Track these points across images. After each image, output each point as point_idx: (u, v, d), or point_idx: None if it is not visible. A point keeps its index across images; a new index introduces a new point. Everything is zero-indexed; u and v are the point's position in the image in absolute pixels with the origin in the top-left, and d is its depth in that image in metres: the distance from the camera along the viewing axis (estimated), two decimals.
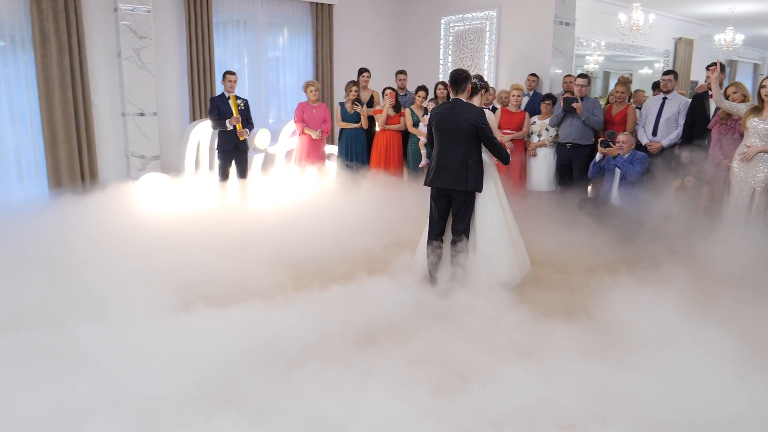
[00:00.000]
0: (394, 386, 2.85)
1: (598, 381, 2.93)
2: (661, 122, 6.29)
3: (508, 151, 6.21)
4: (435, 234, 4.49)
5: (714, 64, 5.65)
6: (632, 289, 3.99)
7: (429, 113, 4.50)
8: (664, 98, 6.30)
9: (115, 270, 4.30)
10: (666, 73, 6.41)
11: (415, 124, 7.35)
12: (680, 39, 12.19)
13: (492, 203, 4.45)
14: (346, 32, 8.90)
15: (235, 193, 6.66)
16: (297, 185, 7.25)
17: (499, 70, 8.06)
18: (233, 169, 6.63)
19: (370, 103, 7.68)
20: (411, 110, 7.33)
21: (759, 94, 5.09)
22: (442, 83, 7.53)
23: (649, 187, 6.05)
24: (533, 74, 7.53)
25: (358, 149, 7.48)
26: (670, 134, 6.24)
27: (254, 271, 4.57)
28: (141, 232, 5.41)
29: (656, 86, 6.85)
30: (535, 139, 6.89)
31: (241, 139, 6.49)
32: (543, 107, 6.90)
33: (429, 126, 4.51)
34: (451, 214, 4.45)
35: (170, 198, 6.47)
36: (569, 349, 3.31)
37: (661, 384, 2.80)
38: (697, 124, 6.00)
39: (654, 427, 2.56)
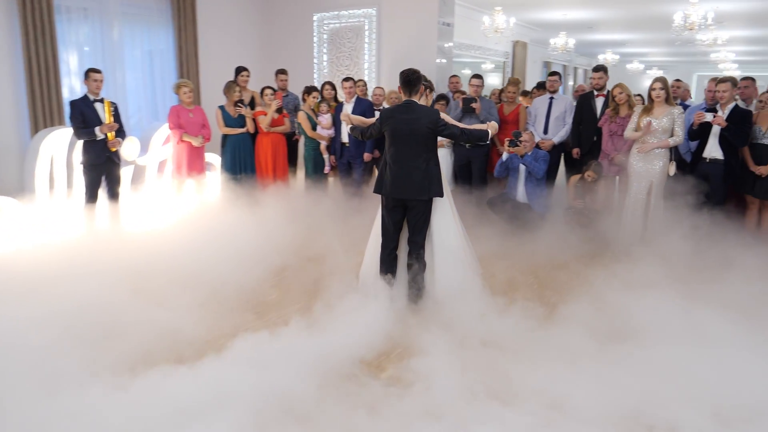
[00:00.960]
0: None
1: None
2: (550, 121, 6.59)
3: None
4: (391, 248, 4.12)
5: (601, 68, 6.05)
6: (621, 282, 4.23)
7: (380, 116, 4.08)
8: (551, 98, 6.61)
9: None
10: (552, 74, 6.74)
11: (313, 128, 6.84)
12: (517, 42, 13.15)
13: (447, 209, 4.20)
14: (212, 26, 8.01)
15: (108, 215, 5.55)
16: (179, 202, 6.31)
17: (381, 70, 7.86)
18: (103, 186, 5.52)
19: (252, 105, 6.98)
20: (307, 113, 6.80)
21: (649, 95, 5.52)
22: (330, 83, 7.12)
23: (550, 184, 6.33)
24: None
25: (246, 157, 6.74)
26: (559, 132, 6.57)
27: (182, 312, 3.79)
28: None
29: (541, 86, 7.19)
30: None
31: (113, 150, 5.43)
32: (437, 108, 6.83)
33: (374, 128, 4.12)
34: (408, 226, 4.11)
35: (21, 227, 5.18)
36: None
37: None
38: (585, 122, 6.39)
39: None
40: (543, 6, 10.78)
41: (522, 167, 6.08)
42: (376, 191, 4.11)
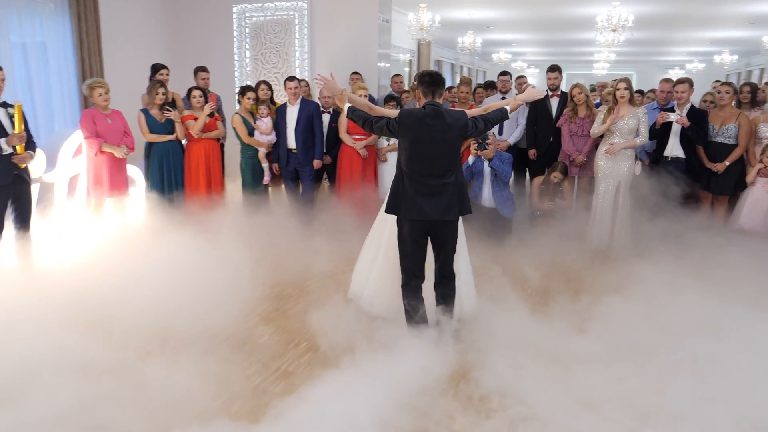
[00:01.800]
0: None
1: None
2: (505, 121, 6.41)
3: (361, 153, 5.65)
4: (416, 283, 3.52)
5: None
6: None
7: (397, 120, 3.44)
8: (503, 98, 6.44)
9: None
10: (502, 73, 6.58)
11: (250, 133, 6.05)
12: (421, 40, 13.05)
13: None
14: (116, 17, 6.86)
15: (17, 249, 4.44)
16: (101, 227, 5.27)
17: (314, 68, 7.24)
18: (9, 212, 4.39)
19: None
20: (242, 117, 6.00)
21: (614, 96, 5.51)
22: (266, 83, 6.37)
23: (514, 186, 6.16)
24: (355, 72, 6.97)
25: (176, 168, 5.82)
26: (513, 133, 6.43)
27: (168, 371, 3.00)
28: None
29: (490, 86, 7.01)
30: (384, 143, 6.35)
31: (22, 166, 4.34)
32: (387, 109, 6.39)
33: (384, 126, 3.47)
34: (434, 251, 3.53)
35: None
36: None
37: None
38: (541, 123, 6.30)
39: None
40: (449, 5, 10.76)
41: (486, 171, 5.83)
42: (392, 212, 3.49)
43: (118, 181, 5.41)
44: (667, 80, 5.93)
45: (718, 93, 5.56)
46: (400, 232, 3.51)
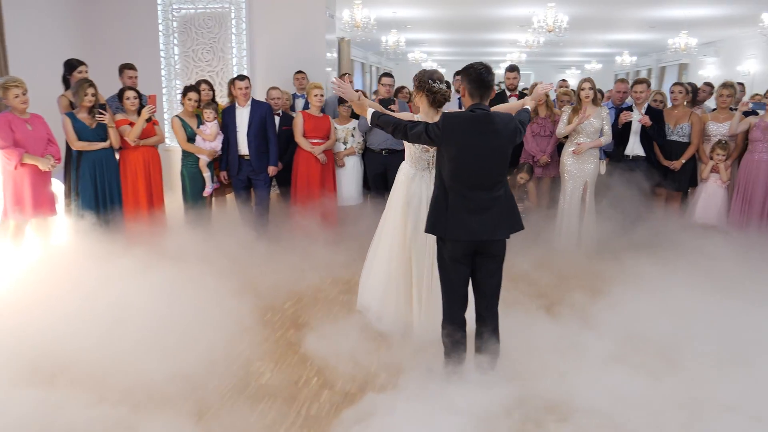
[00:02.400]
0: None
1: None
2: None
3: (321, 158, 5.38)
4: (461, 318, 3.06)
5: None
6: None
7: (440, 126, 2.91)
8: (459, 99, 6.26)
9: None
10: (457, 74, 6.38)
11: (190, 139, 5.40)
12: (342, 39, 12.68)
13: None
14: (20, 7, 5.87)
15: None
16: (24, 253, 4.44)
17: (255, 67, 6.67)
18: None
19: None
20: (182, 120, 5.34)
21: (578, 96, 5.51)
22: (206, 82, 5.75)
23: None
24: (300, 71, 6.51)
25: (110, 180, 5.05)
26: None
27: None
28: None
29: None
30: (340, 147, 5.95)
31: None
32: (342, 110, 5.99)
33: (418, 133, 2.99)
34: (477, 280, 3.04)
35: None
36: None
37: None
38: None
39: None
40: (374, 3, 10.51)
41: None
42: (435, 232, 2.99)
43: (43, 199, 4.60)
44: (623, 81, 6.05)
45: (672, 93, 5.74)
46: (441, 255, 3.05)
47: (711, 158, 5.59)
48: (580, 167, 5.47)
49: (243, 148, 5.47)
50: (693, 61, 15.84)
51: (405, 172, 3.77)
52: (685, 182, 5.71)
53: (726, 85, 5.68)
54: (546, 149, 5.87)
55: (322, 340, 3.55)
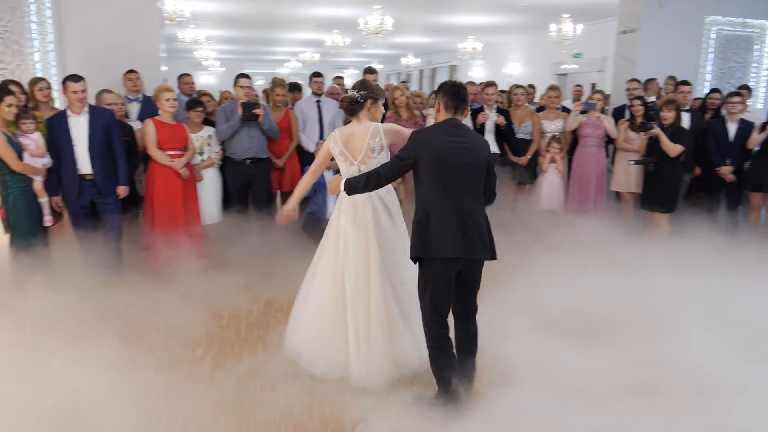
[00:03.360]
0: None
1: None
2: (324, 125, 5.97)
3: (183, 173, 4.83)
4: (446, 334, 2.91)
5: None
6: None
7: (413, 142, 2.79)
8: (318, 101, 5.98)
9: None
10: (316, 74, 6.06)
11: (20, 156, 4.17)
12: None
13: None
14: None
15: None
16: None
17: (66, 63, 5.44)
18: None
19: None
20: (5, 135, 4.09)
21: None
22: (16, 83, 4.51)
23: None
24: (132, 70, 5.51)
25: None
26: None
27: None
28: None
29: (295, 87, 6.30)
30: (197, 158, 5.20)
31: None
32: (193, 116, 5.24)
33: (405, 159, 2.82)
34: (459, 291, 2.95)
35: None
36: None
37: None
38: None
39: None
40: None
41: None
42: (423, 254, 2.80)
43: None
44: (471, 83, 6.38)
45: (515, 95, 6.25)
46: (426, 277, 2.85)
47: (548, 151, 6.24)
48: None
49: (84, 166, 4.43)
50: (462, 64, 17.64)
51: (351, 200, 3.28)
52: (531, 175, 6.29)
53: (554, 87, 6.39)
54: None
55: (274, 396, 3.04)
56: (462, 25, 12.75)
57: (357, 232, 3.23)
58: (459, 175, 2.79)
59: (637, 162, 5.64)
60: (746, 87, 6.33)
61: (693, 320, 3.76)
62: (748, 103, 6.14)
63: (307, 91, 6.42)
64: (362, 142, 3.19)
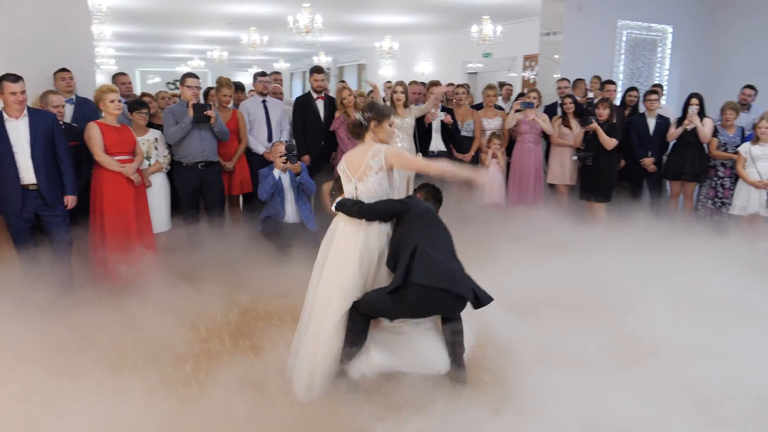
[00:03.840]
0: None
1: None
2: (272, 126, 5.82)
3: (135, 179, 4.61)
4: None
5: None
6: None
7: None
8: (264, 101, 5.81)
9: None
10: (260, 74, 5.87)
11: None
12: None
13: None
14: None
15: None
16: None
17: None
18: None
19: None
20: None
21: (391, 99, 5.71)
22: None
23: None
24: (64, 69, 5.04)
25: None
26: (282, 138, 5.89)
27: None
28: None
29: (239, 88, 6.04)
30: (144, 163, 4.88)
31: None
32: (137, 118, 4.91)
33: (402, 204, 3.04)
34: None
35: None
36: None
37: None
38: (310, 126, 5.98)
39: None
40: None
41: (288, 186, 5.23)
42: (407, 279, 2.83)
43: None
44: (415, 82, 6.48)
45: (456, 94, 6.44)
46: (402, 299, 2.89)
47: (489, 148, 6.50)
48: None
49: (27, 175, 4.01)
50: (371, 62, 17.81)
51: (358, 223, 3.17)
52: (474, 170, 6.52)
53: (491, 87, 6.66)
54: None
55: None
56: (373, 24, 12.88)
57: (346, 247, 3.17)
58: (444, 236, 3.10)
59: (579, 157, 6.03)
60: (659, 86, 6.96)
61: (644, 294, 4.17)
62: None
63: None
64: (361, 160, 3.14)
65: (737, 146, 5.89)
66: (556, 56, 7.49)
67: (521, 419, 2.74)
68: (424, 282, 2.83)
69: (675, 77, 8.09)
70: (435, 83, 6.25)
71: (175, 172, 5.09)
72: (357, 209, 3.06)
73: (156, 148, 4.98)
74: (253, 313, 4.18)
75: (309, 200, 5.45)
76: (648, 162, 6.26)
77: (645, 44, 7.87)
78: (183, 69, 20.41)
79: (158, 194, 5.00)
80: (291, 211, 5.27)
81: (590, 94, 6.86)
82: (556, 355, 3.34)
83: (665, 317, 3.84)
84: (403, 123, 5.63)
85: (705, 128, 5.96)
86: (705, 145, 6.04)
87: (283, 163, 5.03)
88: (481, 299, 3.00)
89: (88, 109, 4.96)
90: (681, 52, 8.06)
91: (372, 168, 3.13)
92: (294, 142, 5.41)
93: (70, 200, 4.23)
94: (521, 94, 7.08)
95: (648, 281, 4.41)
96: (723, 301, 4.05)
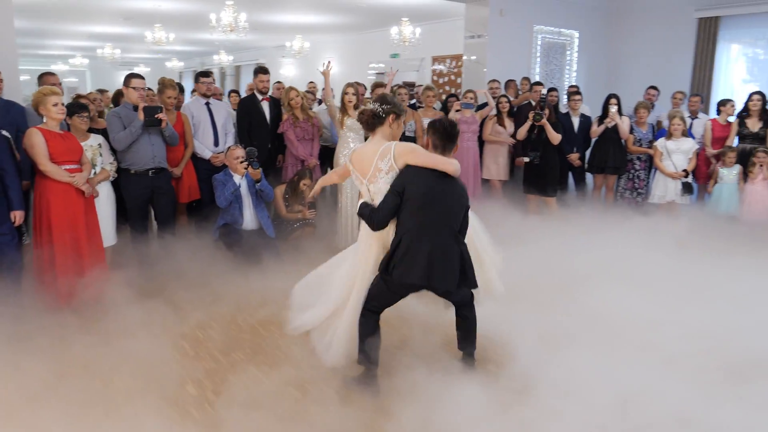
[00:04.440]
0: None
1: None
2: (218, 129, 5.55)
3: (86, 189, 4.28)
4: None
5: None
6: None
7: (400, 177, 2.97)
8: (208, 103, 5.54)
9: None
10: (204, 74, 5.57)
11: None
12: None
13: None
14: None
15: None
16: None
17: None
18: None
19: None
20: None
21: (342, 101, 5.69)
22: None
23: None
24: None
25: None
26: (227, 142, 5.64)
27: None
28: None
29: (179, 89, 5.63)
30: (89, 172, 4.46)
31: None
32: (77, 122, 4.48)
33: (397, 188, 2.97)
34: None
35: None
36: None
37: None
38: (256, 128, 5.79)
39: None
40: None
41: (246, 192, 5.05)
42: (386, 270, 3.00)
43: None
44: (358, 84, 6.48)
45: (399, 95, 6.54)
46: (385, 283, 3.05)
47: (427, 145, 6.66)
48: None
49: None
50: (271, 62, 17.42)
51: None
52: None
53: (430, 87, 6.84)
54: (314, 152, 5.86)
55: None
56: (277, 23, 12.65)
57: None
58: (440, 214, 2.99)
59: (531, 158, 6.33)
60: (575, 86, 7.53)
61: (602, 275, 4.50)
62: None
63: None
64: (370, 163, 3.10)
65: (650, 141, 6.56)
66: (473, 57, 7.85)
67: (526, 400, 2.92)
68: (401, 279, 2.96)
69: (581, 78, 8.79)
70: (379, 84, 6.30)
71: (123, 180, 4.71)
72: (369, 214, 3.05)
73: (101, 155, 4.57)
74: (235, 326, 3.99)
75: (267, 207, 5.29)
76: (573, 157, 6.76)
77: (556, 48, 8.47)
78: (60, 68, 18.74)
79: (105, 205, 4.59)
80: (249, 218, 5.09)
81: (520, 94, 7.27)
82: (542, 337, 3.57)
83: (626, 295, 4.17)
84: (354, 124, 5.62)
85: (624, 125, 6.56)
86: (623, 141, 6.65)
87: (245, 168, 4.84)
88: (469, 282, 3.09)
89: (15, 113, 4.45)
90: (586, 55, 8.77)
91: (381, 170, 3.12)
92: (253, 147, 5.18)
93: (17, 216, 3.78)
94: (452, 95, 7.32)
95: (603, 263, 4.75)
96: (665, 276, 4.55)
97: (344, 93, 5.67)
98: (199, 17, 10.89)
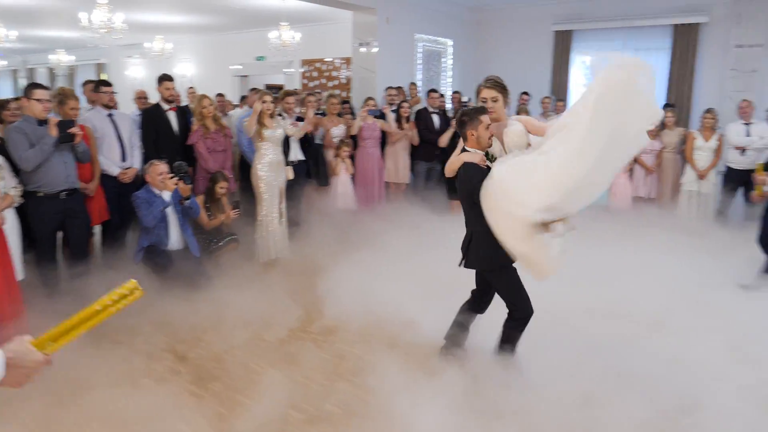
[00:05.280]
0: None
1: None
2: (125, 143, 5.09)
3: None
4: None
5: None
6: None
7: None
8: (110, 114, 5.07)
9: None
10: (102, 83, 5.05)
11: None
12: None
13: None
14: None
15: None
16: None
17: None
18: None
19: None
20: None
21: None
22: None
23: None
24: None
25: None
26: (135, 156, 5.20)
27: None
28: None
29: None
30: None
31: None
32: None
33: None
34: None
35: None
36: None
37: None
38: (163, 140, 5.41)
39: None
40: None
41: (171, 208, 4.70)
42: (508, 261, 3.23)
43: None
44: (289, 92, 6.32)
45: (308, 102, 6.49)
46: (509, 278, 3.30)
47: (338, 156, 6.73)
48: (275, 176, 5.57)
49: None
50: (115, 62, 15.99)
51: None
52: (325, 178, 6.67)
53: (333, 95, 6.88)
54: (226, 164, 5.62)
55: None
56: (131, 21, 11.67)
57: None
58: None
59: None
60: (458, 92, 8.08)
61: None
62: None
63: None
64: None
65: None
66: (371, 66, 8.06)
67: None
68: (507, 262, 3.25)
69: (456, 83, 9.42)
70: (290, 93, 6.21)
71: (31, 205, 4.13)
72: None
73: (2, 178, 3.97)
74: (195, 355, 3.74)
75: (190, 224, 4.96)
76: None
77: (434, 55, 8.98)
78: None
79: (10, 235, 4.00)
80: (175, 238, 4.77)
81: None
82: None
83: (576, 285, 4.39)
84: (273, 134, 5.50)
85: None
86: None
87: (175, 184, 4.52)
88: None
89: None
90: (460, 62, 9.42)
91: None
92: (182, 162, 4.82)
93: None
94: (345, 102, 7.42)
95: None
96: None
97: (262, 101, 5.43)
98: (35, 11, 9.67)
